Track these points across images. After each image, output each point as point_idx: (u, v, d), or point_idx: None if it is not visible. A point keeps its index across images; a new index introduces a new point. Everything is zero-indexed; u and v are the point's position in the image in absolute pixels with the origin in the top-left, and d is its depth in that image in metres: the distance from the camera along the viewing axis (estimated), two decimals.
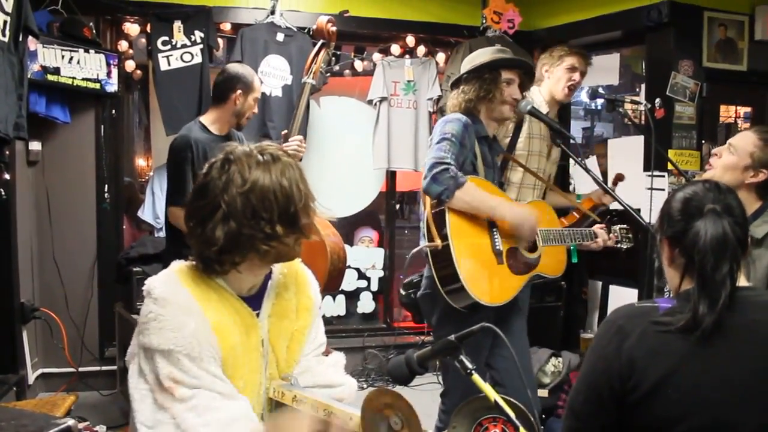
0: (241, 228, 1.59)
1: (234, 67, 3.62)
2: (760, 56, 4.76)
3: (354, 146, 5.38)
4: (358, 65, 5.29)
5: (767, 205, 2.54)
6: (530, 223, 2.84)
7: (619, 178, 3.57)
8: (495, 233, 2.86)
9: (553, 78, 3.70)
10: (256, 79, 3.62)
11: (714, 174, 2.57)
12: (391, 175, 5.49)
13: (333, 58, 4.23)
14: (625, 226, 3.51)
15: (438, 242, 2.73)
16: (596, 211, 3.56)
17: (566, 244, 3.17)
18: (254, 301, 1.76)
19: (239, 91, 3.52)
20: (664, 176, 4.38)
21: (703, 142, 4.77)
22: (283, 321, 1.79)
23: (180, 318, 1.57)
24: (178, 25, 4.62)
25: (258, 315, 1.75)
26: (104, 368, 4.76)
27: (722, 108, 6.60)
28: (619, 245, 3.47)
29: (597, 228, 3.32)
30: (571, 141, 3.24)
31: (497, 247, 2.84)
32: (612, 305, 4.90)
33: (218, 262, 1.63)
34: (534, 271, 2.98)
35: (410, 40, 5.23)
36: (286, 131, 3.75)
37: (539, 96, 3.73)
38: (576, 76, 3.68)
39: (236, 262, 1.64)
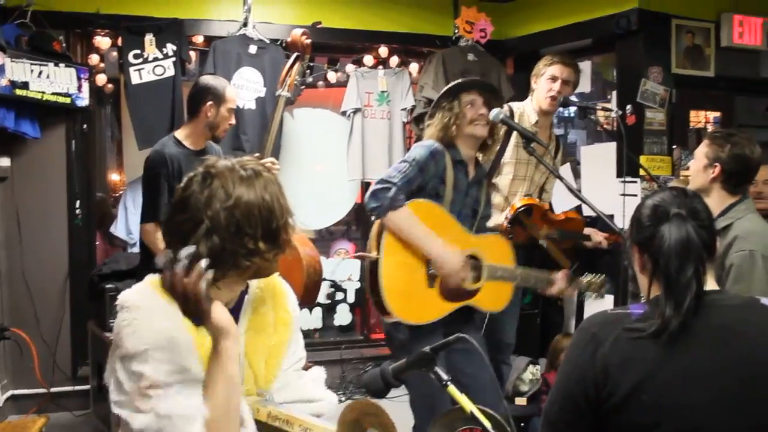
0: (225, 243, 1.58)
1: (205, 79, 3.61)
2: (727, 62, 4.86)
3: (328, 158, 5.39)
4: (332, 76, 5.30)
5: (741, 200, 2.73)
6: (450, 268, 2.86)
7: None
8: None
9: (538, 88, 3.76)
10: (229, 90, 3.60)
11: (691, 184, 2.82)
12: (366, 187, 5.47)
13: (307, 70, 4.25)
14: (597, 277, 3.40)
15: (373, 253, 2.81)
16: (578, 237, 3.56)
17: (515, 284, 3.14)
18: (231, 315, 1.74)
19: (210, 103, 3.50)
20: (636, 182, 4.43)
21: (674, 147, 4.84)
22: (261, 336, 1.78)
23: (153, 318, 1.55)
24: (149, 38, 4.60)
25: None
26: (77, 388, 4.68)
27: (692, 113, 6.70)
28: (582, 297, 3.41)
29: (559, 275, 3.22)
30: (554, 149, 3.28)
31: (431, 271, 2.89)
32: (588, 311, 4.93)
33: None
34: (466, 302, 3.00)
35: (383, 50, 5.26)
36: (258, 154, 3.73)
37: (530, 106, 3.78)
38: (556, 85, 3.72)
39: (216, 278, 1.62)
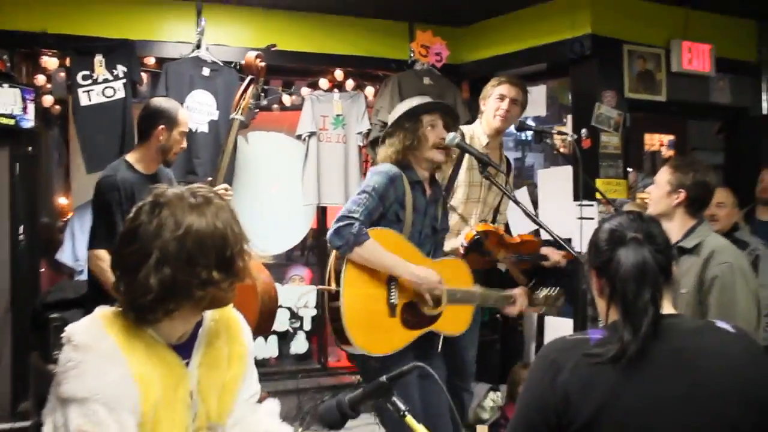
0: (176, 274, 1.56)
1: (157, 102, 3.57)
2: (677, 87, 4.98)
3: (283, 182, 5.35)
4: (287, 100, 5.29)
5: (700, 222, 2.89)
6: (430, 281, 2.95)
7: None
8: (392, 287, 2.96)
9: (487, 109, 3.80)
10: (182, 112, 3.56)
11: (651, 209, 2.95)
12: (321, 211, 5.48)
13: (261, 93, 4.24)
14: (553, 290, 3.49)
15: (332, 286, 2.85)
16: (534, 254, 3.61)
17: (475, 305, 3.22)
18: (184, 349, 1.71)
19: (162, 126, 3.46)
20: (593, 205, 4.48)
21: (630, 170, 4.93)
22: (215, 371, 1.75)
23: (102, 365, 1.51)
24: (99, 59, 4.53)
25: (187, 364, 1.71)
26: (17, 425, 4.49)
27: (646, 136, 6.85)
28: (544, 312, 3.48)
29: (517, 291, 3.31)
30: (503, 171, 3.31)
31: (391, 301, 2.94)
32: (548, 336, 4.95)
33: (151, 310, 1.59)
34: (429, 328, 3.05)
35: (338, 74, 5.27)
36: (211, 178, 3.69)
37: (479, 128, 3.82)
38: (504, 104, 3.76)
39: (170, 310, 1.60)
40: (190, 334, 1.74)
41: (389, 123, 3.16)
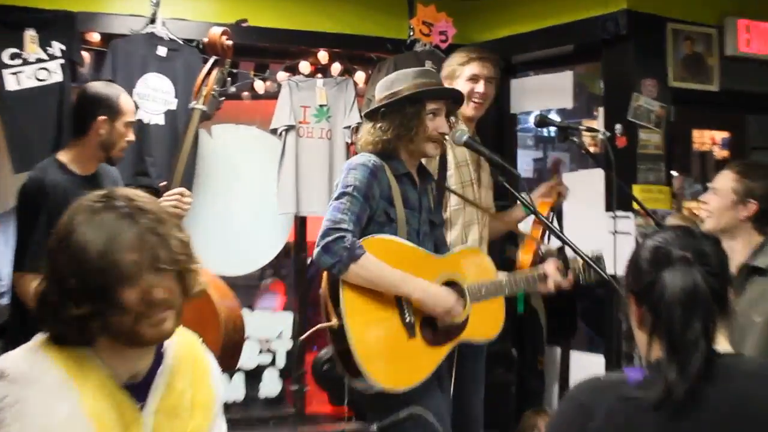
0: (90, 304, 1.59)
1: (93, 88, 3.56)
2: (733, 74, 4.98)
3: (254, 186, 5.35)
4: (260, 86, 5.29)
5: None
6: (444, 305, 2.95)
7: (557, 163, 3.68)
8: (404, 302, 2.96)
9: None
10: (125, 98, 3.56)
11: (709, 223, 2.96)
12: (300, 222, 5.47)
13: (228, 78, 4.22)
14: (589, 256, 3.43)
15: (334, 321, 2.84)
16: (553, 215, 3.67)
17: (507, 295, 3.25)
18: (140, 390, 1.71)
19: (102, 117, 3.45)
20: (629, 217, 4.49)
21: (674, 174, 4.93)
22: (174, 420, 1.75)
23: (49, 402, 1.52)
24: (31, 34, 4.51)
25: (142, 408, 1.70)
26: None
27: (695, 134, 6.86)
28: (583, 282, 3.43)
29: (548, 266, 3.32)
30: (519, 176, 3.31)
31: (407, 319, 2.94)
32: (575, 375, 4.96)
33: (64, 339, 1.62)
34: (459, 339, 3.07)
35: (323, 55, 5.27)
36: (164, 183, 3.66)
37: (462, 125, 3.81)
38: (480, 86, 3.80)
39: (87, 342, 1.63)
40: (147, 372, 1.74)
41: (379, 98, 3.14)
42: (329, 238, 2.83)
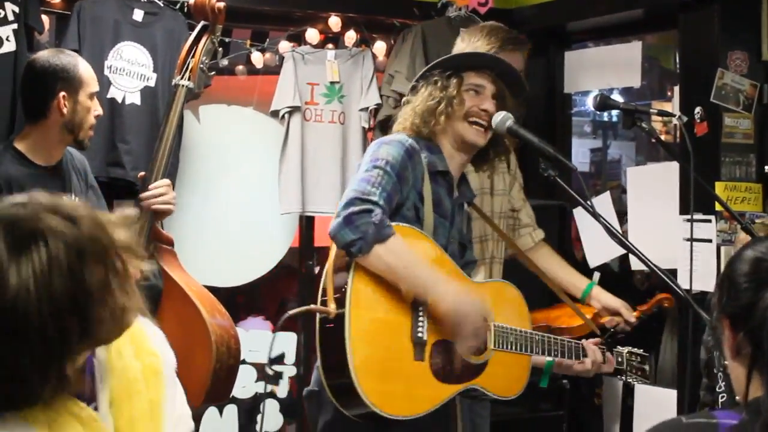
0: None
1: (44, 59, 3.55)
2: None
3: (250, 180, 5.38)
4: (257, 59, 5.29)
5: None
6: (475, 320, 2.86)
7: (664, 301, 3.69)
8: (420, 314, 2.87)
9: None
10: (83, 66, 3.57)
11: None
12: (307, 223, 5.48)
13: (220, 49, 4.19)
14: (639, 351, 3.46)
15: (331, 307, 2.75)
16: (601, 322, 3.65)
17: (532, 356, 3.16)
18: (87, 392, 1.79)
19: (62, 93, 3.45)
20: (710, 221, 4.47)
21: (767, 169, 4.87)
22: (133, 399, 1.84)
23: None
24: None
25: (96, 408, 1.77)
26: None
27: None
28: (621, 378, 3.46)
29: (589, 343, 3.29)
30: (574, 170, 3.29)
31: (419, 334, 2.85)
32: (639, 413, 4.93)
33: None
34: (471, 383, 3.00)
35: (335, 21, 5.25)
36: (143, 173, 3.65)
37: None
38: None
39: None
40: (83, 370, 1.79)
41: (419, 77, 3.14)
42: (354, 209, 2.74)
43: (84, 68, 3.55)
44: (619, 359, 3.37)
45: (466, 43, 3.72)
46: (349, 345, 2.71)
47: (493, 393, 3.07)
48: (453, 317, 2.83)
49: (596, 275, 3.88)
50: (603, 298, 3.74)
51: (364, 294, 2.79)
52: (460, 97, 3.02)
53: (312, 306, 2.83)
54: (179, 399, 1.97)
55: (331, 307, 2.76)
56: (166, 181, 3.61)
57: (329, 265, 2.86)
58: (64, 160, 3.58)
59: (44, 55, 3.59)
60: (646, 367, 3.47)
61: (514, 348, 3.07)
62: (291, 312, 2.85)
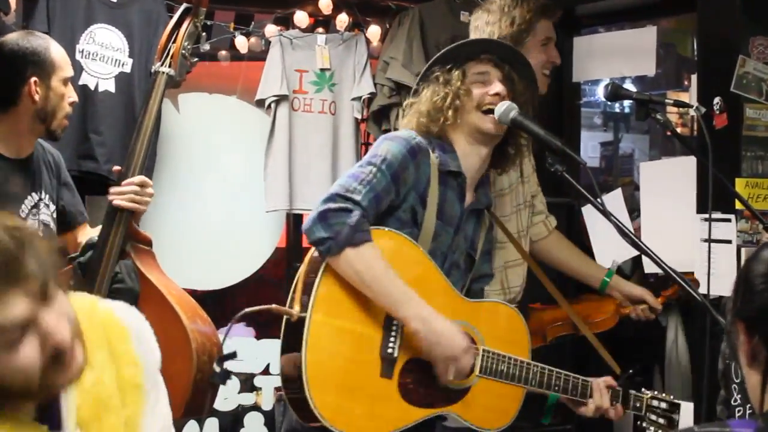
0: None
1: (12, 41, 3.51)
2: None
3: (233, 174, 5.39)
4: (242, 43, 5.30)
5: None
6: (451, 347, 2.84)
7: None
8: (394, 328, 2.88)
9: (530, 55, 3.72)
10: (55, 48, 3.55)
11: None
12: (294, 222, 5.49)
13: (203, 33, 4.18)
14: (668, 398, 3.39)
15: (295, 309, 2.78)
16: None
17: (529, 389, 3.13)
18: (51, 412, 1.76)
19: (33, 78, 3.43)
20: (729, 220, 4.46)
21: None
22: (106, 417, 1.82)
23: None
24: None
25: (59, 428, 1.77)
26: None
27: None
28: (643, 424, 3.35)
29: (600, 383, 3.21)
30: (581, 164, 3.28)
31: (389, 350, 2.86)
32: None
33: None
34: (444, 409, 2.98)
35: (325, 3, 5.27)
36: (119, 168, 3.64)
37: None
38: (554, 53, 3.79)
39: None
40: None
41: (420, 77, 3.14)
42: (332, 205, 2.77)
43: (56, 51, 3.54)
44: (637, 404, 3.29)
45: (494, 16, 3.70)
46: (305, 352, 2.72)
47: (473, 424, 3.04)
48: (421, 341, 2.83)
49: (614, 262, 3.88)
50: (624, 286, 3.75)
51: (332, 299, 2.80)
52: (465, 88, 3.03)
53: (273, 306, 2.83)
54: (162, 407, 1.98)
55: (296, 308, 2.79)
56: (141, 178, 3.59)
57: (305, 262, 2.89)
58: (36, 153, 3.56)
59: (12, 38, 3.55)
60: (676, 417, 3.35)
61: (504, 377, 3.03)
62: (248, 310, 2.82)
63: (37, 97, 3.45)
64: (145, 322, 2.00)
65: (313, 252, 2.87)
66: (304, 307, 2.76)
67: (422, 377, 2.92)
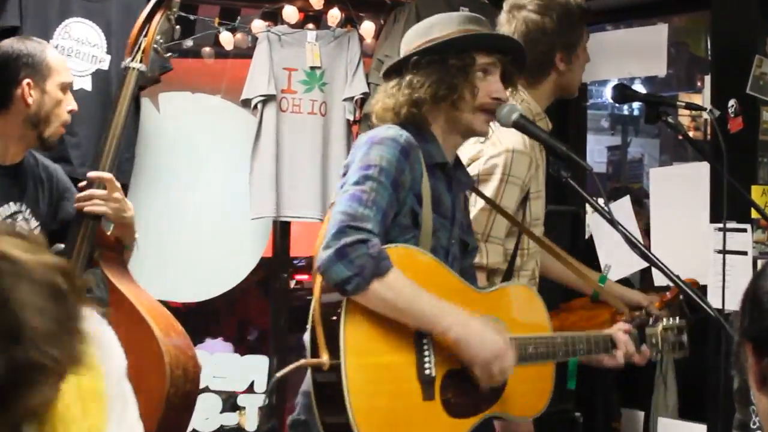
0: None
1: (7, 44, 3.53)
2: None
3: (217, 178, 5.38)
4: (227, 40, 5.30)
5: None
6: (493, 348, 2.83)
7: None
8: (425, 347, 2.86)
9: (579, 63, 3.75)
10: (52, 52, 3.56)
11: None
12: (281, 230, 5.48)
13: (177, 27, 4.18)
14: (675, 323, 3.46)
15: (324, 358, 2.72)
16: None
17: (558, 360, 3.18)
18: None
19: (27, 80, 3.43)
20: (745, 230, 4.46)
21: None
22: (66, 428, 1.78)
23: None
24: None
25: None
26: None
27: None
28: (658, 356, 3.42)
29: (618, 330, 3.26)
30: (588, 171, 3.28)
31: (426, 371, 2.84)
32: None
33: None
34: (489, 411, 3.00)
35: None
36: (93, 174, 3.61)
37: (525, 94, 3.76)
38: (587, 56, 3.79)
39: None
40: None
41: (416, 45, 3.08)
42: (348, 239, 2.70)
43: (53, 55, 3.55)
44: (654, 341, 3.35)
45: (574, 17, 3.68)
46: (349, 400, 2.68)
47: (516, 416, 3.12)
48: (465, 349, 2.83)
49: (606, 267, 3.88)
50: (620, 292, 3.78)
51: (360, 336, 2.76)
52: (471, 83, 3.00)
53: (302, 361, 2.79)
54: (130, 418, 1.95)
55: (324, 357, 2.73)
56: (104, 175, 3.57)
57: (315, 302, 2.83)
58: (25, 163, 3.55)
59: (7, 42, 3.58)
60: (684, 338, 3.46)
61: (535, 359, 3.06)
62: (279, 374, 2.82)
63: (30, 101, 3.44)
64: (106, 326, 1.95)
65: (322, 289, 2.83)
66: (333, 352, 2.73)
67: (461, 388, 2.92)
